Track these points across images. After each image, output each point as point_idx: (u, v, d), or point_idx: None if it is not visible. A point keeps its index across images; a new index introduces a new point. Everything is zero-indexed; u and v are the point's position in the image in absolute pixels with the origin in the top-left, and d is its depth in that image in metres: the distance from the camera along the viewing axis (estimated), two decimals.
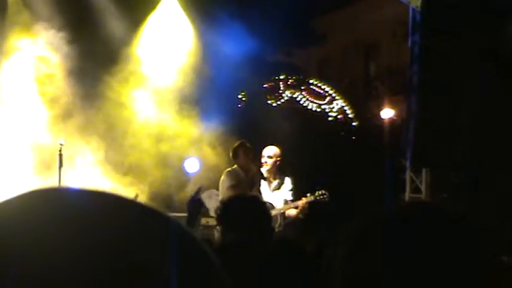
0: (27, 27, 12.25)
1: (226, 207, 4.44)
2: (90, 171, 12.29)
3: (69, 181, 11.96)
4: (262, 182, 10.10)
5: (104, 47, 12.42)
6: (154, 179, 12.51)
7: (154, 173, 12.58)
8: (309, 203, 9.95)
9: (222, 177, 9.89)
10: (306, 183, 10.67)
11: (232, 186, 9.69)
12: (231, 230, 4.11)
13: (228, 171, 9.96)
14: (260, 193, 9.83)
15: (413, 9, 11.21)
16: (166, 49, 13.31)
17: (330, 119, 14.27)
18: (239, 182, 9.74)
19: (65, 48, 12.11)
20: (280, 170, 10.30)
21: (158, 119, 12.88)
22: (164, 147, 12.72)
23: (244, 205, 4.44)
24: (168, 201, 12.23)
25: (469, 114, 10.06)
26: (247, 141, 10.16)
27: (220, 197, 9.72)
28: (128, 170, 12.43)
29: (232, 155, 10.02)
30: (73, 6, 12.30)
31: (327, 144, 13.22)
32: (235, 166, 9.94)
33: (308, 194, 10.05)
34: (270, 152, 10.19)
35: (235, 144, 10.08)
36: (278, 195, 10.13)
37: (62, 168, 10.11)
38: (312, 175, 11.58)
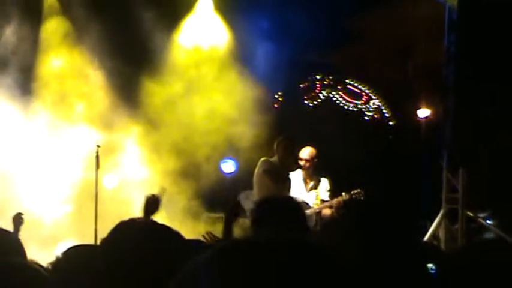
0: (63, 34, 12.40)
1: (259, 207, 4.42)
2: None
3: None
4: (299, 182, 10.13)
5: (142, 51, 12.53)
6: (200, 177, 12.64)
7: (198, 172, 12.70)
8: (344, 202, 9.97)
9: (257, 166, 9.93)
10: (343, 184, 10.66)
11: (266, 171, 9.73)
12: (263, 230, 4.10)
13: (264, 159, 10.01)
14: (300, 187, 9.89)
15: (449, 7, 11.16)
16: (202, 51, 13.37)
17: (366, 118, 14.22)
18: (274, 170, 9.77)
19: (103, 54, 12.24)
20: (316, 171, 10.33)
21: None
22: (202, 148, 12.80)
23: (278, 205, 4.42)
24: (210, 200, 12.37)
25: (505, 114, 9.98)
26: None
27: (254, 188, 9.76)
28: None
29: (275, 147, 10.05)
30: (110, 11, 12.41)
31: (364, 144, 13.17)
32: (273, 157, 9.98)
33: (343, 193, 10.07)
34: (306, 153, 10.23)
35: (279, 138, 10.11)
36: (314, 195, 10.15)
37: (99, 170, 10.20)
38: (349, 175, 11.56)
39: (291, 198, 6.76)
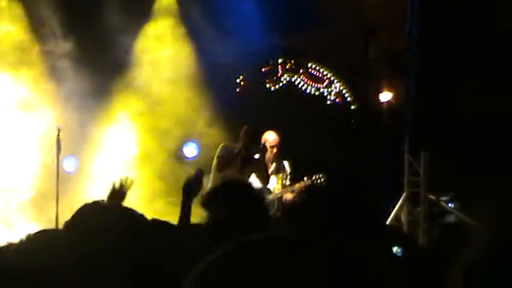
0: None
1: (211, 193, 4.33)
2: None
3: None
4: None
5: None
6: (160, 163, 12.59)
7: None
8: (306, 187, 9.96)
9: (216, 152, 9.91)
10: (305, 167, 10.67)
11: (220, 157, 9.69)
12: (215, 213, 4.02)
13: (222, 145, 9.98)
14: (262, 175, 9.82)
15: None
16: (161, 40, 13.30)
17: (328, 102, 14.23)
18: (229, 156, 9.71)
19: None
20: (279, 155, 10.32)
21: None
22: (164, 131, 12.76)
23: (230, 189, 4.33)
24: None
25: (467, 99, 10.04)
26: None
27: (211, 173, 9.72)
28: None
29: (241, 134, 9.99)
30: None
31: (326, 128, 13.19)
32: (235, 143, 9.93)
33: (305, 178, 10.07)
34: (269, 137, 10.22)
35: (244, 125, 10.06)
36: (275, 180, 10.15)
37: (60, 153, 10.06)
38: (311, 160, 11.56)
39: (243, 182, 6.70)
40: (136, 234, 2.66)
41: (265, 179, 9.94)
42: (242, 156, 9.75)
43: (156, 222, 4.41)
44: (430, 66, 10.68)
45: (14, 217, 11.00)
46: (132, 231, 2.66)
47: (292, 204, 9.79)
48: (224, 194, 4.16)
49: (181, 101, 12.96)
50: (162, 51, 13.28)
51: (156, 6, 13.32)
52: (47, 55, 12.34)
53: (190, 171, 11.62)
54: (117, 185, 5.46)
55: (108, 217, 2.71)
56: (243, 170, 9.74)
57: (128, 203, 5.08)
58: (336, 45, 13.04)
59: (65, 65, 12.13)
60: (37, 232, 3.30)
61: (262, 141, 10.17)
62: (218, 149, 9.91)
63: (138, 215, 2.78)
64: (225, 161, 9.66)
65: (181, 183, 5.08)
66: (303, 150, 11.81)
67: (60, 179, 10.01)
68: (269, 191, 9.83)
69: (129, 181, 5.55)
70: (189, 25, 13.19)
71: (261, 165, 9.99)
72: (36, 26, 12.28)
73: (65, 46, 12.16)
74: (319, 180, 10.06)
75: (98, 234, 2.60)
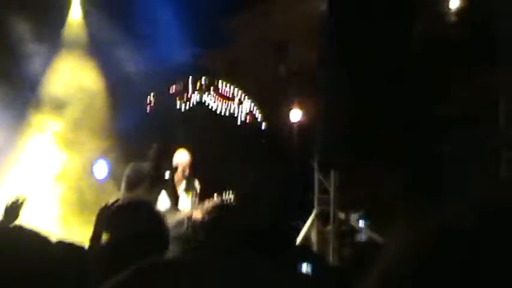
0: None
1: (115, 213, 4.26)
2: None
3: None
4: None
5: None
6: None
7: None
8: (215, 205, 9.89)
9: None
10: (216, 186, 10.58)
11: (128, 177, 9.55)
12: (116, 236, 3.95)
13: (132, 164, 9.82)
14: (172, 192, 9.71)
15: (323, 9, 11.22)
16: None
17: (238, 122, 14.20)
18: (138, 175, 9.55)
19: None
20: (189, 173, 10.24)
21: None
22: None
23: (132, 212, 4.24)
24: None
25: (378, 114, 10.11)
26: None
27: (121, 191, 9.55)
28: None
29: (150, 153, 9.93)
30: None
31: (237, 146, 13.15)
32: (144, 162, 9.78)
33: (215, 196, 10.03)
34: (180, 156, 10.14)
35: (154, 144, 10.00)
36: (186, 197, 10.07)
37: None
38: (222, 178, 11.49)
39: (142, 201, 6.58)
40: (37, 257, 2.50)
41: (174, 198, 9.84)
42: (151, 176, 9.59)
43: (61, 244, 4.24)
44: (339, 83, 10.71)
45: None
46: (33, 254, 2.50)
47: (200, 223, 9.75)
48: (125, 213, 4.07)
49: (93, 117, 12.76)
50: (71, 68, 13.05)
51: (66, 25, 13.14)
52: None
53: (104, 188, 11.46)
54: (9, 204, 5.28)
55: (7, 239, 2.56)
56: (152, 189, 9.59)
57: (42, 219, 4.95)
58: (246, 63, 13.03)
59: None
60: None
61: (173, 161, 10.10)
62: (127, 168, 9.74)
63: (42, 237, 2.62)
64: (134, 180, 9.49)
65: (97, 199, 5.01)
66: (214, 169, 11.75)
67: None
68: (178, 210, 9.74)
69: (21, 199, 5.36)
70: (99, 39, 12.96)
71: (170, 184, 9.89)
72: None
73: None
74: (228, 199, 10.02)
75: None
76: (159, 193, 9.71)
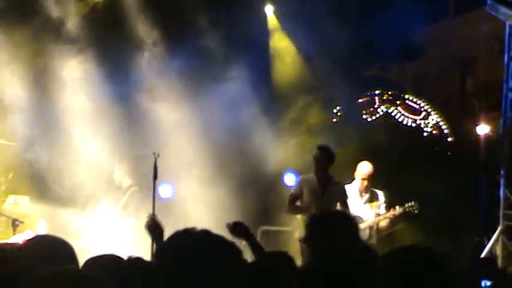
0: None
1: (313, 225, 4.45)
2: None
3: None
4: (354, 195, 10.22)
5: None
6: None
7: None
8: (398, 215, 10.09)
9: None
10: (400, 197, 10.71)
11: (293, 191, 9.93)
12: (320, 248, 4.06)
13: (300, 177, 10.16)
14: (341, 201, 9.89)
15: (509, 25, 11.14)
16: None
17: (425, 134, 14.22)
18: (303, 188, 9.87)
19: None
20: (373, 184, 10.41)
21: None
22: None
23: (332, 222, 4.45)
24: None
25: None
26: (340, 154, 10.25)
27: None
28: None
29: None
30: None
31: (422, 159, 13.17)
32: (311, 173, 10.05)
33: (397, 207, 10.14)
34: (363, 168, 10.32)
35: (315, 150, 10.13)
36: (369, 208, 10.24)
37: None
38: (405, 189, 11.57)
39: (337, 212, 6.85)
40: (226, 262, 2.64)
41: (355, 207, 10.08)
42: (317, 185, 9.88)
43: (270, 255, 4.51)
44: None
45: (115, 244, 11.19)
46: (222, 259, 2.64)
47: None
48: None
49: None
50: None
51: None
52: None
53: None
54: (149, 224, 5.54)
55: (199, 244, 2.66)
56: (321, 197, 9.82)
57: None
58: (432, 78, 13.06)
59: None
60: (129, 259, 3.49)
61: (357, 171, 10.31)
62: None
63: (229, 243, 2.74)
64: (299, 194, 9.91)
65: None
66: (397, 179, 11.84)
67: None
68: (361, 219, 9.93)
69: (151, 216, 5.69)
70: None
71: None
72: None
73: None
74: (411, 210, 10.13)
75: (189, 261, 2.59)
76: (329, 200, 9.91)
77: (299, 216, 10.03)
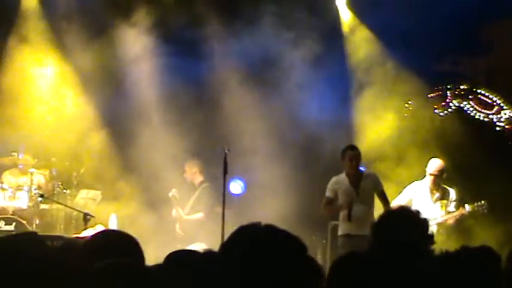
0: None
1: (384, 222, 4.41)
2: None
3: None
4: (425, 192, 10.12)
5: None
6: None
7: None
8: (467, 213, 9.96)
9: None
10: (472, 194, 10.58)
11: (327, 195, 9.89)
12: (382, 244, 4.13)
13: (332, 180, 10.10)
14: (377, 192, 9.88)
15: None
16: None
17: (497, 129, 13.98)
18: (336, 191, 9.86)
19: None
20: (444, 181, 10.29)
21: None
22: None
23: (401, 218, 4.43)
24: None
25: None
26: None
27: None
28: None
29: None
30: None
31: (494, 155, 12.95)
32: (341, 174, 10.03)
33: (466, 205, 10.01)
34: (434, 165, 10.22)
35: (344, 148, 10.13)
36: (439, 206, 10.13)
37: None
38: (476, 186, 11.42)
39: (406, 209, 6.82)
40: (289, 257, 2.64)
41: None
42: (349, 183, 9.88)
43: None
44: None
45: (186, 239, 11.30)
46: (285, 254, 2.64)
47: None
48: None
49: None
50: None
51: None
52: None
53: None
54: None
55: (263, 239, 2.66)
56: (356, 193, 9.84)
57: None
58: (505, 71, 12.85)
59: None
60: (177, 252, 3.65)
61: (428, 168, 10.23)
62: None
63: (294, 237, 2.72)
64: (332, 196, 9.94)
65: None
66: (469, 176, 11.69)
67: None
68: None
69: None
70: None
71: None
72: None
73: None
74: (480, 208, 9.98)
75: (253, 254, 2.59)
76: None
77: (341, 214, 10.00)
